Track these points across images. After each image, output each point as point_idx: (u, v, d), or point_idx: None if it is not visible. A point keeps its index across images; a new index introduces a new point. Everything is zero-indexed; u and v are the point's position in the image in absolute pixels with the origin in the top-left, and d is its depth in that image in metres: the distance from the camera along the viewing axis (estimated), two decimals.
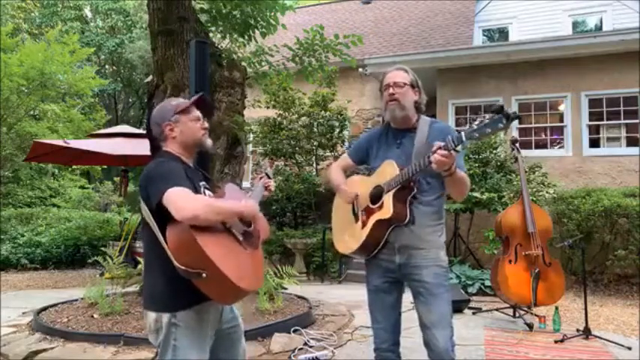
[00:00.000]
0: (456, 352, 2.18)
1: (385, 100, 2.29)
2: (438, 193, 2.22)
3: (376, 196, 2.22)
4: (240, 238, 1.83)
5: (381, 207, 2.17)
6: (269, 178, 2.26)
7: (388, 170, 2.19)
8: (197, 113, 1.99)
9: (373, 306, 2.34)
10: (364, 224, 2.23)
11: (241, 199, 1.95)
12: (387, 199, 2.15)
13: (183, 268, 1.62)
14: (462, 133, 1.86)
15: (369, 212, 2.23)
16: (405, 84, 2.26)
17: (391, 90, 2.25)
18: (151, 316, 1.81)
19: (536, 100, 8.01)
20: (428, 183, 2.20)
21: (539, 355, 3.74)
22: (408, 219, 2.13)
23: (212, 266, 1.61)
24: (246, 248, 1.85)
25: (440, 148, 1.88)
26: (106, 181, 14.72)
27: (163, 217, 1.69)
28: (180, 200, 1.65)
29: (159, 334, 1.80)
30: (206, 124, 2.01)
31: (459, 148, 1.87)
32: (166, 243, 1.68)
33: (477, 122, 1.85)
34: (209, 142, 2.03)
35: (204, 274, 1.61)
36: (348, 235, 2.34)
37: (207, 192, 1.94)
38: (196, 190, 1.81)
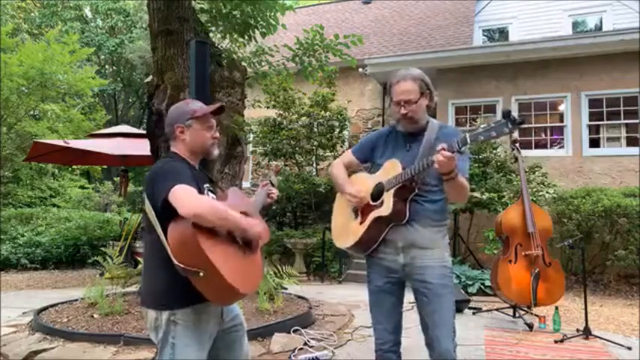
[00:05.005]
0: (457, 352, 2.17)
1: (397, 117, 2.26)
2: (444, 194, 2.21)
3: (377, 193, 2.23)
4: (240, 242, 1.85)
5: (381, 204, 2.18)
6: (272, 185, 2.27)
7: (391, 169, 2.19)
8: (212, 122, 2.00)
9: (375, 306, 2.33)
10: (363, 220, 2.24)
11: (243, 203, 1.95)
12: (388, 196, 2.15)
13: (181, 265, 1.64)
14: (467, 135, 1.88)
15: (368, 209, 2.24)
16: (417, 100, 2.21)
17: (403, 110, 2.20)
18: (151, 314, 1.82)
19: (536, 100, 8.01)
20: (434, 184, 2.19)
21: (539, 355, 3.74)
22: (407, 218, 2.13)
23: (210, 266, 1.62)
24: (245, 251, 1.86)
25: (444, 149, 1.89)
26: (106, 181, 14.72)
27: (167, 215, 1.70)
28: (187, 197, 1.67)
29: (158, 332, 1.81)
30: (217, 134, 2.02)
31: (463, 149, 1.90)
32: (167, 240, 1.68)
33: (483, 126, 1.87)
34: (216, 152, 2.03)
35: (201, 273, 1.63)
36: (346, 231, 2.35)
37: (210, 194, 1.95)
38: (200, 192, 1.82)
